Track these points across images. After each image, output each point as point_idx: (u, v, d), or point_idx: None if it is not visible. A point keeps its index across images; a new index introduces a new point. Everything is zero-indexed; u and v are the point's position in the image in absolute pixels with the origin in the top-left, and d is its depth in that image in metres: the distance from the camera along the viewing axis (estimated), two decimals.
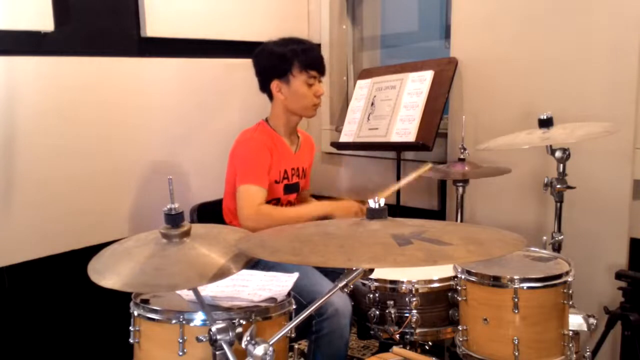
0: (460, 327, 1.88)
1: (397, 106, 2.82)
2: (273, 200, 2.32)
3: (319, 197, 2.63)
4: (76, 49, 2.41)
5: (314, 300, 1.24)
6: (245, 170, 2.22)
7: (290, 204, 2.41)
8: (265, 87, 2.36)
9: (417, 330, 1.98)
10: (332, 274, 2.09)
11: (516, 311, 1.74)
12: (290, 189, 2.39)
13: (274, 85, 2.31)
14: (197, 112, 2.88)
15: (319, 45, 3.12)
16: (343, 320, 1.98)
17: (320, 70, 2.34)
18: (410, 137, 2.70)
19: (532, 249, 2.02)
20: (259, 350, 1.17)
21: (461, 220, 2.54)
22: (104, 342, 2.53)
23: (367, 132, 2.93)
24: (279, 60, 2.29)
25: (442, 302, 2.00)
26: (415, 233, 1.21)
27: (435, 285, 1.99)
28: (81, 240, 2.43)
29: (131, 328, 1.58)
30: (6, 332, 2.31)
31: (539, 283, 1.76)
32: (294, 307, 1.62)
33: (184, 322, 1.49)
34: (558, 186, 2.15)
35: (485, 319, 1.79)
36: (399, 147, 2.87)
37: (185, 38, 2.79)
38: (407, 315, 1.98)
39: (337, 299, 1.98)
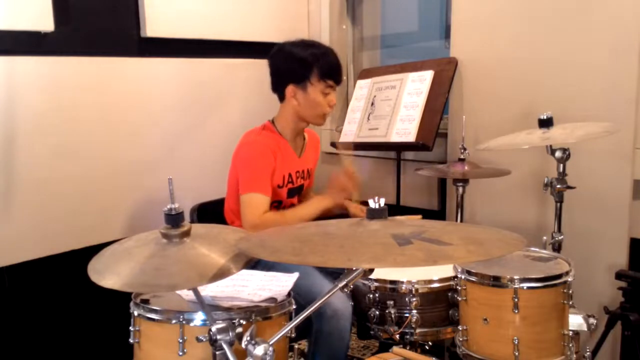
0: (460, 327, 1.88)
1: (397, 106, 2.82)
2: (275, 203, 2.31)
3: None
4: (76, 49, 2.41)
5: (313, 301, 1.24)
6: (249, 176, 2.20)
7: (292, 206, 2.39)
8: (278, 89, 2.32)
9: (417, 330, 1.98)
10: (333, 274, 2.09)
11: (516, 311, 1.74)
12: (294, 192, 2.38)
13: (290, 89, 2.27)
14: (197, 112, 2.88)
15: None
16: (343, 321, 1.98)
17: (338, 81, 2.31)
18: (410, 137, 2.70)
19: (532, 249, 2.02)
20: (259, 350, 1.17)
21: (461, 220, 2.54)
22: (104, 342, 2.53)
23: (367, 132, 2.93)
24: (298, 65, 2.24)
25: (442, 302, 2.00)
26: (415, 233, 1.21)
27: (435, 285, 1.99)
28: (81, 240, 2.43)
29: (131, 328, 1.58)
30: (6, 332, 2.31)
31: (539, 283, 1.76)
32: (294, 307, 1.62)
33: (184, 322, 1.49)
34: (558, 186, 2.15)
35: (485, 319, 1.79)
36: (399, 147, 2.87)
37: (185, 38, 2.79)
38: (407, 315, 1.98)
39: (337, 300, 1.97)
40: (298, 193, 2.41)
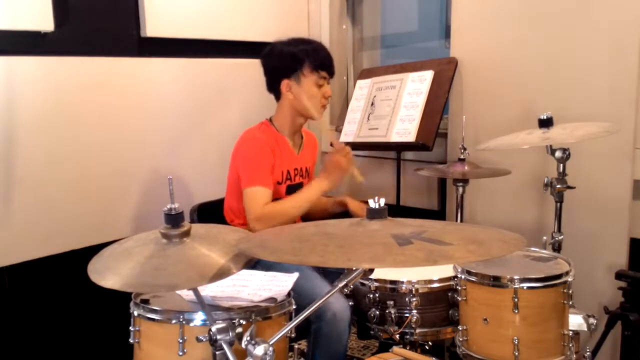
0: (460, 327, 1.88)
1: (397, 106, 2.82)
2: (274, 200, 2.31)
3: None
4: (76, 49, 2.41)
5: (312, 302, 1.24)
6: (249, 171, 2.22)
7: None
8: (273, 87, 2.35)
9: (417, 330, 1.98)
10: (332, 274, 2.09)
11: (516, 311, 1.74)
12: (293, 189, 2.38)
13: (284, 84, 2.30)
14: (197, 112, 2.88)
15: None
16: (341, 324, 1.98)
17: (330, 72, 2.33)
18: (410, 137, 2.70)
19: (532, 249, 2.02)
20: (259, 350, 1.17)
21: (461, 220, 2.54)
22: (104, 342, 2.53)
23: (367, 132, 2.93)
24: (291, 60, 2.27)
25: (442, 302, 2.00)
26: (415, 233, 1.21)
27: (435, 285, 1.98)
28: (81, 240, 2.43)
29: (131, 328, 1.58)
30: (6, 332, 2.31)
31: (539, 283, 1.76)
32: (294, 307, 1.63)
33: (184, 322, 1.49)
34: (558, 186, 2.15)
35: (485, 319, 1.79)
36: (399, 147, 2.87)
37: (185, 38, 2.79)
38: (407, 315, 1.98)
39: (336, 302, 1.98)
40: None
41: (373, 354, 1.96)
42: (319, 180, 2.27)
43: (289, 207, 2.18)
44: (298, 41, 2.33)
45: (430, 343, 2.10)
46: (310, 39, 2.42)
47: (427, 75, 2.77)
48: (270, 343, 1.19)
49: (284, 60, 2.28)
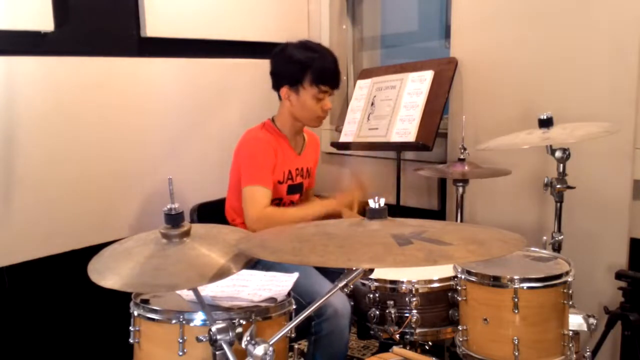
0: (460, 327, 1.88)
1: (397, 106, 2.82)
2: (275, 200, 2.32)
3: (321, 197, 2.62)
4: (76, 49, 2.41)
5: (313, 301, 1.24)
6: (250, 170, 2.22)
7: (292, 204, 2.40)
8: (276, 88, 2.36)
9: (417, 330, 1.98)
10: (332, 274, 2.09)
11: (516, 311, 1.74)
12: (294, 189, 2.39)
13: (284, 91, 2.30)
14: (197, 112, 2.88)
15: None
16: (342, 321, 1.98)
17: (333, 85, 2.31)
18: (410, 137, 2.70)
19: (532, 249, 2.02)
20: (259, 350, 1.17)
21: (461, 220, 2.54)
22: (104, 342, 2.53)
23: (367, 132, 2.93)
24: (294, 68, 2.26)
25: (442, 302, 2.00)
26: (415, 233, 1.21)
27: (435, 285, 1.99)
28: (81, 240, 2.43)
29: (131, 328, 1.58)
30: (6, 332, 2.31)
31: (539, 283, 1.76)
32: (294, 307, 1.63)
33: (184, 322, 1.49)
34: (558, 186, 2.15)
35: (485, 319, 1.79)
36: (399, 147, 2.87)
37: (185, 38, 2.79)
38: (407, 315, 1.98)
39: (336, 299, 1.98)
40: (299, 191, 2.42)
41: (373, 354, 1.96)
42: (327, 202, 2.28)
43: (290, 219, 2.14)
44: (307, 47, 2.30)
45: (430, 343, 2.10)
46: (320, 45, 2.38)
47: (427, 75, 2.77)
48: (270, 343, 1.19)
49: (288, 67, 2.27)
